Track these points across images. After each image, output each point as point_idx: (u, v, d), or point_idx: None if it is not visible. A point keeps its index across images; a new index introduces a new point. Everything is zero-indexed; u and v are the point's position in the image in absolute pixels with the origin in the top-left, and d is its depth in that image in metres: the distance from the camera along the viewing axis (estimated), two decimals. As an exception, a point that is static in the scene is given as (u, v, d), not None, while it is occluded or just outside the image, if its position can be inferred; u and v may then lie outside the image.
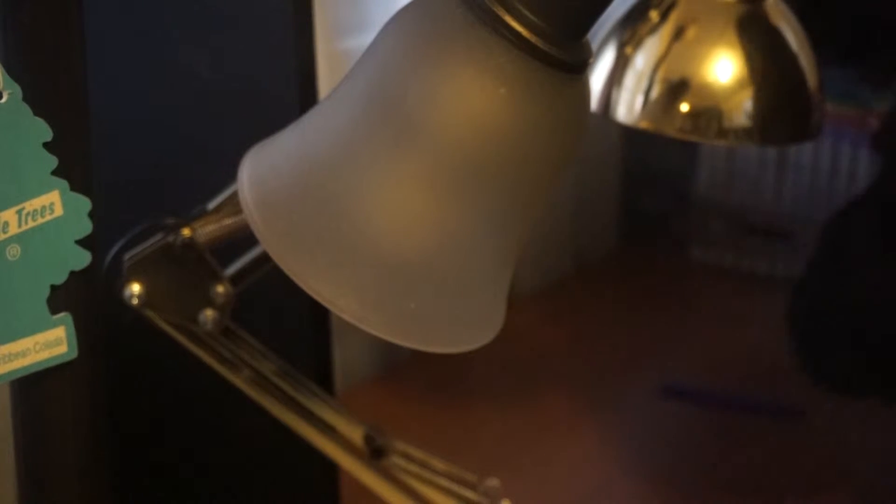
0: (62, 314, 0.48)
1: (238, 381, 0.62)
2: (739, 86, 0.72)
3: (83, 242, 0.48)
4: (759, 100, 0.72)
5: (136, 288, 0.60)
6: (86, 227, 0.48)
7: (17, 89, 0.45)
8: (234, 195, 0.56)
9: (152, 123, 0.73)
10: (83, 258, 0.48)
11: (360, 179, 0.49)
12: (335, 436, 0.63)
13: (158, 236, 0.60)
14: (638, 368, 1.09)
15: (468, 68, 0.48)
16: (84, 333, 0.48)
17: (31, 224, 0.46)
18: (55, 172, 0.46)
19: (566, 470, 0.92)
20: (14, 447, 0.50)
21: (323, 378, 0.69)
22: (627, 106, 0.74)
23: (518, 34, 0.48)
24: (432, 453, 0.66)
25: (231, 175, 0.53)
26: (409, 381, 1.05)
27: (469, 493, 0.65)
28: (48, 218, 0.47)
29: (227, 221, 0.60)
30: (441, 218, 0.49)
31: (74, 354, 0.48)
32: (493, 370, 1.06)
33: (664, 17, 0.74)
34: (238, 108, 0.69)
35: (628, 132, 1.39)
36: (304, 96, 0.67)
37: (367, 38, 0.52)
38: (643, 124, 0.74)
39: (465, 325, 0.51)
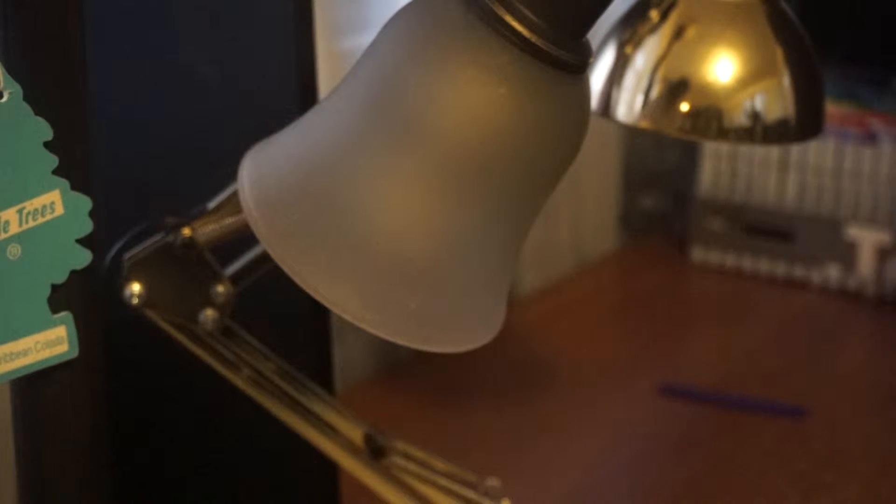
0: (63, 313, 0.48)
1: (238, 380, 0.62)
2: (739, 85, 0.72)
3: (84, 242, 0.48)
4: (758, 99, 0.72)
5: (136, 287, 0.60)
6: (86, 227, 0.48)
7: (18, 89, 0.45)
8: (234, 195, 0.56)
9: (152, 123, 0.73)
10: (84, 257, 0.48)
11: (361, 179, 0.49)
12: (335, 436, 0.63)
13: (158, 236, 0.60)
14: (638, 368, 1.09)
15: (469, 68, 0.48)
16: (84, 333, 0.48)
17: (31, 223, 0.46)
18: (56, 172, 0.46)
19: (566, 470, 0.92)
20: (14, 447, 0.50)
21: (323, 378, 0.69)
22: (627, 106, 0.74)
23: (518, 34, 0.48)
24: (432, 453, 0.66)
25: (231, 175, 0.53)
26: (409, 381, 1.05)
27: (469, 493, 0.65)
28: (49, 217, 0.47)
29: (228, 221, 0.60)
30: (441, 217, 0.49)
31: (75, 353, 0.48)
32: (493, 370, 1.06)
33: (664, 16, 0.74)
34: (238, 108, 0.69)
35: (628, 132, 1.39)
36: (304, 96, 0.67)
37: (367, 38, 0.52)
38: (643, 124, 0.73)
39: (465, 324, 0.51)
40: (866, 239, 1.23)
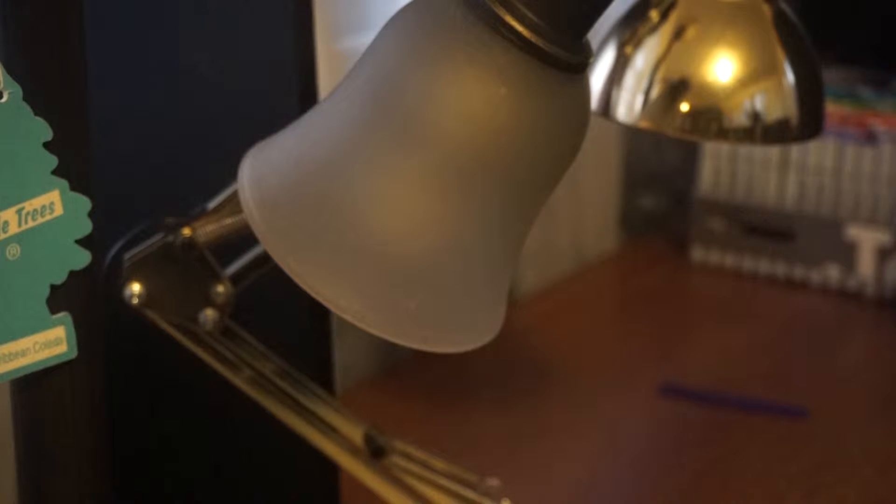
0: (62, 314, 0.48)
1: (238, 381, 0.62)
2: (739, 85, 0.72)
3: (83, 242, 0.48)
4: (758, 99, 0.73)
5: (136, 288, 0.60)
6: (86, 227, 0.48)
7: (18, 89, 0.45)
8: (235, 195, 0.56)
9: (152, 123, 0.73)
10: (83, 258, 0.48)
11: (361, 179, 0.49)
12: (335, 436, 0.63)
13: (158, 236, 0.60)
14: (638, 368, 1.09)
15: (469, 68, 0.48)
16: (84, 333, 0.48)
17: (31, 224, 0.46)
18: (55, 172, 0.46)
19: (566, 470, 0.92)
20: (14, 447, 0.50)
21: (323, 378, 0.69)
22: (627, 106, 0.74)
23: (518, 34, 0.48)
24: (432, 453, 0.66)
25: (231, 175, 0.53)
26: (409, 381, 1.05)
27: (469, 493, 0.65)
28: (48, 217, 0.47)
29: (228, 221, 0.60)
30: (441, 218, 0.49)
31: (74, 354, 0.48)
32: (493, 370, 1.06)
33: (664, 16, 0.74)
34: (238, 108, 0.69)
35: (628, 132, 1.39)
36: (304, 96, 0.67)
37: (367, 38, 0.52)
38: (643, 124, 0.74)
39: (465, 324, 0.51)
40: (866, 239, 1.23)
